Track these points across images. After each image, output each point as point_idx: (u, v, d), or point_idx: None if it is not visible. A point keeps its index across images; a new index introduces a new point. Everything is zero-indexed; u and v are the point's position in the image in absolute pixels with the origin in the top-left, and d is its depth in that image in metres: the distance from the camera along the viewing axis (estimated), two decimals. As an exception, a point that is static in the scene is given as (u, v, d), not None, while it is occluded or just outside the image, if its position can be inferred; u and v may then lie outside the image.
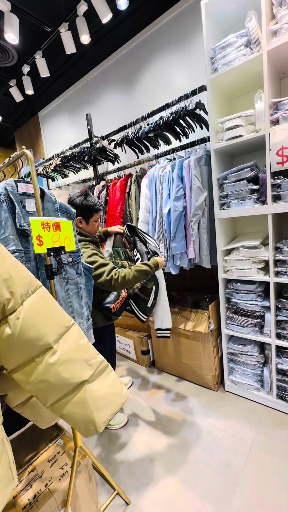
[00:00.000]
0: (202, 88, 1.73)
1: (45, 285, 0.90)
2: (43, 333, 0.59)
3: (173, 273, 1.82)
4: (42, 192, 0.92)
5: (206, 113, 1.73)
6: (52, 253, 0.78)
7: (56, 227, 0.80)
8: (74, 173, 3.01)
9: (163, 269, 1.88)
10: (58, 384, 0.60)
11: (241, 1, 1.45)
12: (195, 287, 2.30)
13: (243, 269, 1.61)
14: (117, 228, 1.73)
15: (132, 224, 1.72)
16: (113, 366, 1.68)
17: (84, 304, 1.08)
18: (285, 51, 1.35)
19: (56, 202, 0.95)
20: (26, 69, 2.71)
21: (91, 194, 1.46)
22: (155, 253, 1.61)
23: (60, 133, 3.56)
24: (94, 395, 0.63)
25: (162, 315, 1.68)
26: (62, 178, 3.19)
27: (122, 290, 1.56)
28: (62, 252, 0.81)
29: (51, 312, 0.63)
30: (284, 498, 1.14)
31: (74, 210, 1.02)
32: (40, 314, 0.59)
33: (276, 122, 1.38)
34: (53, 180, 3.43)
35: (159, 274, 1.64)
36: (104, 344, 1.51)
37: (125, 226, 1.71)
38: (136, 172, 2.19)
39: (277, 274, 1.50)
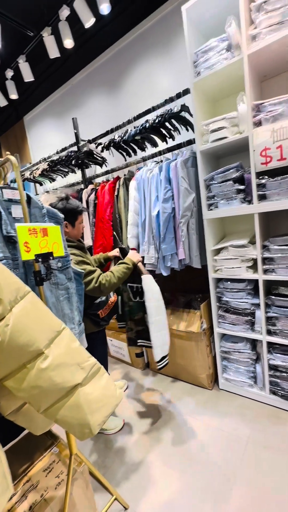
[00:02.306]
0: (187, 91, 1.76)
1: (35, 291, 0.89)
2: (33, 339, 0.58)
3: (164, 274, 1.83)
4: (29, 198, 0.91)
5: (191, 115, 1.76)
6: (40, 259, 0.78)
7: (43, 233, 0.79)
8: (62, 177, 2.99)
9: (154, 271, 1.90)
10: (51, 389, 0.59)
11: (221, 7, 1.48)
12: (187, 288, 2.31)
13: (233, 268, 1.64)
14: (115, 252, 1.75)
15: (123, 246, 1.75)
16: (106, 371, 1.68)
17: (76, 309, 1.08)
18: (265, 55, 1.39)
19: (43, 207, 0.95)
20: (9, 73, 2.68)
21: (72, 198, 1.46)
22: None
23: (46, 137, 3.53)
24: (87, 398, 0.63)
25: (162, 343, 1.52)
26: (50, 182, 3.16)
27: (111, 296, 1.57)
28: (51, 257, 0.80)
29: (41, 317, 0.62)
30: (281, 492, 1.16)
31: (62, 215, 1.02)
32: (29, 320, 0.59)
33: (258, 123, 1.41)
34: (40, 184, 3.39)
35: (149, 302, 1.47)
36: (95, 349, 1.50)
37: (117, 249, 1.75)
38: (125, 175, 2.19)
39: (265, 271, 1.53)
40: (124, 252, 1.68)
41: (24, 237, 0.74)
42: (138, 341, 1.65)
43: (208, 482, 1.25)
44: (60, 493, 0.97)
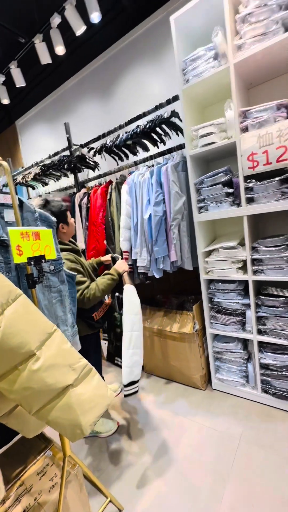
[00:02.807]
0: (176, 98, 1.80)
1: (27, 294, 0.90)
2: (25, 341, 0.59)
3: (157, 276, 1.85)
4: (21, 202, 0.93)
5: (181, 121, 1.81)
6: (32, 262, 0.79)
7: (35, 236, 0.80)
8: (55, 181, 3.00)
9: (146, 274, 1.92)
10: (43, 390, 0.60)
11: (208, 18, 1.54)
12: (180, 290, 2.34)
13: (223, 269, 1.68)
14: (108, 257, 1.79)
15: (114, 255, 1.73)
16: (100, 374, 1.67)
17: (69, 311, 1.09)
18: (250, 64, 1.44)
19: (35, 211, 0.96)
20: (1, 78, 2.70)
21: (50, 200, 1.44)
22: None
23: (39, 141, 3.54)
24: (79, 399, 0.64)
25: (132, 364, 1.40)
26: (43, 186, 3.17)
27: (106, 298, 1.57)
28: (43, 260, 0.81)
29: (33, 320, 0.63)
30: (273, 489, 1.18)
31: (54, 219, 1.03)
32: (21, 322, 0.60)
33: (245, 129, 1.46)
34: (33, 188, 3.40)
35: (125, 314, 1.40)
36: (89, 352, 1.50)
37: (110, 256, 1.79)
38: (117, 179, 2.22)
39: (255, 272, 1.57)
40: (114, 261, 1.69)
41: (16, 241, 0.75)
42: (116, 357, 1.62)
43: (201, 482, 1.26)
44: (53, 496, 0.97)
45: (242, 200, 1.51)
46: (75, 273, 1.14)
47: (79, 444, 1.60)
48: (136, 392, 1.39)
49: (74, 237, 2.34)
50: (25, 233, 0.78)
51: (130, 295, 1.42)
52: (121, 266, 1.49)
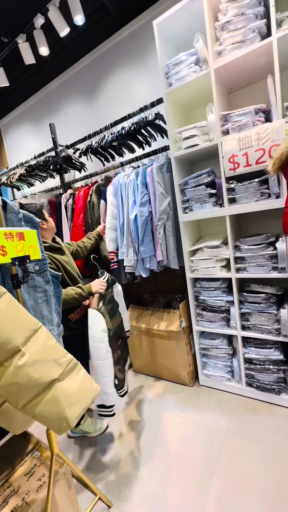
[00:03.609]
0: (160, 100, 1.84)
1: (13, 294, 0.90)
2: (10, 338, 0.60)
3: (144, 275, 1.88)
4: (4, 203, 0.93)
5: (165, 123, 1.85)
6: (16, 263, 0.80)
7: (20, 237, 0.81)
8: (41, 182, 2.97)
9: (133, 273, 1.94)
10: (29, 385, 0.61)
11: (189, 24, 1.58)
12: (167, 289, 2.38)
13: (208, 267, 1.73)
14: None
15: (100, 271, 1.62)
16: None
17: (54, 311, 1.09)
18: (230, 69, 1.50)
19: (19, 212, 0.97)
20: (-17, 78, 2.64)
21: (26, 204, 1.50)
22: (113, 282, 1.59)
23: (24, 142, 3.50)
24: (65, 393, 0.65)
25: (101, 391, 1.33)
26: (28, 187, 3.13)
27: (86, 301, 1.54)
28: (27, 261, 0.82)
29: (18, 317, 0.64)
30: (257, 478, 1.23)
31: (38, 220, 1.04)
32: (6, 320, 0.61)
33: (226, 132, 1.52)
34: (18, 189, 3.35)
35: (89, 340, 1.32)
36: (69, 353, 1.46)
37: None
38: (102, 179, 2.24)
39: (237, 270, 1.63)
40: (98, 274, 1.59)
41: (0, 241, 0.76)
42: None
43: (189, 475, 1.30)
44: (41, 496, 0.97)
45: (225, 200, 1.57)
46: (60, 274, 1.15)
47: (68, 443, 1.60)
48: (112, 415, 1.36)
49: (62, 239, 2.33)
50: (9, 234, 0.78)
51: (92, 320, 1.33)
52: (96, 286, 1.43)
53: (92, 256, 1.84)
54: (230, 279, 1.69)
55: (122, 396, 1.47)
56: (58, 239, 1.70)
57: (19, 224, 0.96)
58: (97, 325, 1.31)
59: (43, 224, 1.49)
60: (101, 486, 1.31)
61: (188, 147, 1.64)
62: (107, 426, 1.63)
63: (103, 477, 1.36)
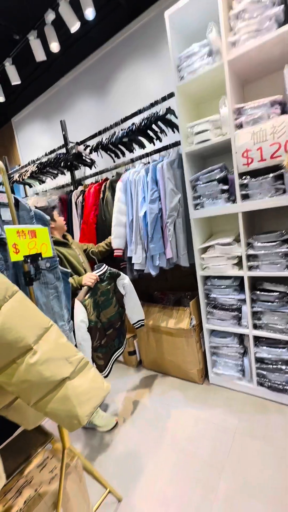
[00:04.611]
0: (172, 95, 1.80)
1: (26, 291, 0.92)
2: (22, 336, 0.61)
3: (153, 273, 1.87)
4: (17, 201, 0.94)
5: (177, 118, 1.81)
6: (29, 260, 0.81)
7: (32, 235, 0.82)
8: (52, 179, 3.00)
9: (142, 270, 1.93)
10: (40, 383, 0.62)
11: (202, 14, 1.53)
12: (177, 286, 2.37)
13: (219, 265, 1.70)
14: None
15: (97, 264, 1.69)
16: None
17: (64, 307, 1.11)
18: (244, 61, 1.45)
19: (31, 210, 0.97)
20: (-4, 76, 2.68)
21: (38, 203, 1.67)
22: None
23: (35, 139, 3.53)
24: (76, 391, 0.66)
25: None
26: (40, 184, 3.17)
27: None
28: (39, 258, 0.83)
29: (29, 315, 0.65)
30: (266, 478, 1.22)
31: (48, 217, 1.05)
32: (18, 318, 0.62)
33: (240, 126, 1.47)
34: (30, 186, 3.39)
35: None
36: None
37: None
38: (113, 176, 2.23)
39: (250, 268, 1.59)
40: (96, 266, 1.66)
41: (12, 239, 0.76)
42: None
43: (197, 473, 1.30)
44: (53, 487, 0.99)
45: (237, 196, 1.53)
46: (69, 270, 1.16)
47: (79, 437, 1.63)
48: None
49: (73, 236, 2.35)
50: (21, 231, 0.79)
51: (75, 310, 1.39)
52: (86, 278, 1.51)
53: (90, 251, 1.90)
54: (242, 277, 1.66)
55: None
56: (68, 236, 1.79)
57: (31, 221, 0.97)
58: (77, 315, 1.39)
59: (50, 224, 1.59)
60: (109, 480, 1.32)
61: (200, 142, 1.60)
62: (116, 423, 1.65)
63: (111, 471, 1.38)
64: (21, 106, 3.46)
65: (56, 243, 1.61)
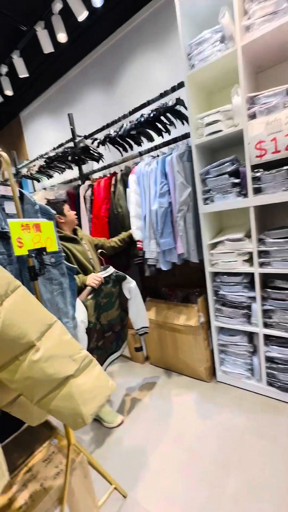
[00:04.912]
0: (181, 84, 1.74)
1: (29, 286, 0.90)
2: (25, 332, 0.60)
3: (164, 268, 1.84)
4: (21, 194, 0.92)
5: (186, 109, 1.75)
6: (33, 255, 0.79)
7: (36, 228, 0.80)
8: (59, 174, 2.98)
9: (155, 266, 1.90)
10: (44, 380, 0.61)
11: (214, -3, 1.46)
12: (185, 282, 2.33)
13: (229, 261, 1.65)
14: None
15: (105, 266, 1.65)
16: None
17: (69, 304, 1.09)
18: (259, 46, 1.37)
19: (35, 203, 0.95)
20: (3, 69, 2.66)
21: (50, 198, 1.66)
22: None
23: (43, 133, 3.52)
24: (80, 389, 0.64)
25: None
26: (48, 179, 3.16)
27: None
28: (44, 253, 0.81)
29: (32, 311, 0.63)
30: (273, 479, 1.18)
31: (54, 212, 1.03)
32: (20, 313, 0.60)
33: (253, 116, 1.41)
34: (38, 181, 3.39)
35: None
36: None
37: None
38: (121, 170, 2.19)
39: (261, 265, 1.54)
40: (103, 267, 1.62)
41: (17, 233, 0.74)
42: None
43: (204, 471, 1.28)
44: (58, 483, 0.99)
45: (249, 190, 1.47)
46: (75, 266, 1.14)
47: (85, 432, 1.64)
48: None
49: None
50: (25, 225, 0.77)
51: (77, 311, 1.31)
52: (90, 279, 1.47)
53: (103, 245, 1.87)
54: (252, 274, 1.60)
55: None
56: (79, 231, 1.77)
57: (36, 215, 0.95)
58: (77, 315, 1.36)
59: (60, 219, 1.61)
60: (115, 476, 1.32)
61: (211, 133, 1.54)
62: (122, 422, 1.65)
63: (117, 467, 1.37)
64: (29, 100, 3.44)
65: (64, 238, 1.59)
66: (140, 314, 1.76)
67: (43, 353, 0.60)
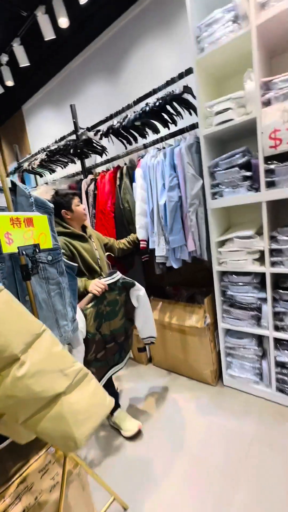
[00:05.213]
0: (189, 71, 1.63)
1: (22, 286, 0.83)
2: (7, 343, 0.51)
3: (175, 266, 1.74)
4: (14, 185, 0.84)
5: (194, 97, 1.64)
6: (24, 252, 0.71)
7: (28, 223, 0.72)
8: (62, 168, 2.90)
9: (165, 264, 1.81)
10: (29, 399, 0.53)
11: (227, -27, 1.34)
12: (190, 281, 2.24)
13: (238, 260, 1.55)
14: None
15: (111, 270, 1.53)
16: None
17: (68, 305, 1.01)
18: (275, 26, 1.26)
19: (30, 196, 0.87)
20: (4, 58, 2.57)
21: (60, 189, 1.53)
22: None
23: (45, 126, 3.43)
24: (72, 408, 0.56)
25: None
26: (50, 173, 3.08)
27: None
28: (37, 250, 0.73)
29: (16, 318, 0.55)
30: (283, 492, 1.10)
31: (51, 205, 0.94)
32: (2, 322, 0.52)
33: (267, 103, 1.30)
34: (41, 176, 3.32)
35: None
36: None
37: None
38: (125, 164, 2.10)
39: (273, 264, 1.44)
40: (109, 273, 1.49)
41: (5, 228, 0.66)
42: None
43: (210, 482, 1.20)
44: (54, 497, 0.93)
45: (262, 184, 1.37)
46: (75, 265, 1.06)
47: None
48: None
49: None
50: (15, 219, 0.69)
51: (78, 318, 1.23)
52: (92, 285, 1.34)
53: (111, 247, 1.77)
54: (263, 274, 1.51)
55: None
56: (89, 228, 1.66)
57: (30, 209, 0.87)
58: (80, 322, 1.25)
59: (66, 214, 1.50)
60: (115, 486, 1.25)
61: (221, 122, 1.43)
62: (139, 430, 1.51)
63: (118, 476, 1.31)
64: (32, 92, 3.35)
65: (70, 235, 1.47)
66: (148, 323, 1.61)
67: (28, 367, 0.52)
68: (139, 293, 1.52)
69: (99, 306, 1.36)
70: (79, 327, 1.21)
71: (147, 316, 1.59)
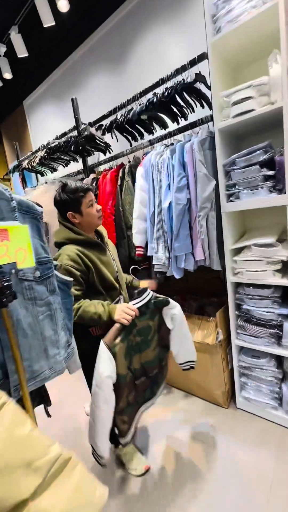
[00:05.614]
0: (202, 57, 1.45)
1: (1, 312, 0.66)
2: None
3: (177, 276, 1.57)
4: (-10, 186, 0.67)
5: (208, 87, 1.46)
6: (-4, 273, 0.54)
7: (2, 236, 0.55)
8: (64, 167, 2.74)
9: (165, 273, 1.63)
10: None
11: None
12: (199, 289, 2.05)
13: (256, 271, 1.37)
14: (146, 283, 1.45)
15: (138, 290, 1.20)
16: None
17: (61, 329, 0.85)
18: (307, -2, 1.07)
19: (12, 199, 0.71)
20: (2, 49, 2.42)
21: (69, 183, 1.17)
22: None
23: (47, 123, 3.28)
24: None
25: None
26: (52, 172, 2.93)
27: None
28: (12, 271, 0.57)
29: None
30: None
31: (40, 209, 0.77)
32: None
33: (296, 90, 1.11)
34: (42, 175, 3.16)
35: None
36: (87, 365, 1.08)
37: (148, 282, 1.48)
38: (129, 161, 1.92)
39: (298, 276, 1.26)
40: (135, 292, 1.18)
41: None
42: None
43: (226, 535, 1.03)
44: None
45: (287, 184, 1.18)
46: (71, 279, 0.89)
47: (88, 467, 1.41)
48: (101, 465, 1.04)
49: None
50: (-15, 231, 0.53)
51: (99, 359, 0.98)
52: (120, 313, 1.05)
53: (132, 267, 1.55)
54: (286, 288, 1.32)
55: (123, 444, 1.13)
56: (104, 233, 1.34)
57: (11, 215, 0.70)
58: (102, 367, 0.97)
59: (74, 217, 1.18)
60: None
61: (239, 114, 1.25)
62: (147, 470, 1.31)
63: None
64: (33, 86, 3.20)
65: (84, 243, 1.16)
66: (186, 346, 1.31)
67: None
68: (173, 311, 1.20)
69: (128, 338, 1.06)
70: (107, 373, 0.96)
71: (184, 337, 1.28)
